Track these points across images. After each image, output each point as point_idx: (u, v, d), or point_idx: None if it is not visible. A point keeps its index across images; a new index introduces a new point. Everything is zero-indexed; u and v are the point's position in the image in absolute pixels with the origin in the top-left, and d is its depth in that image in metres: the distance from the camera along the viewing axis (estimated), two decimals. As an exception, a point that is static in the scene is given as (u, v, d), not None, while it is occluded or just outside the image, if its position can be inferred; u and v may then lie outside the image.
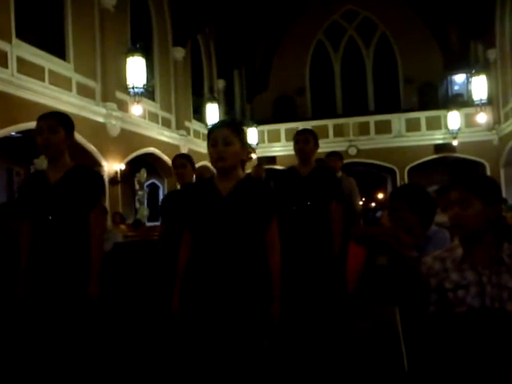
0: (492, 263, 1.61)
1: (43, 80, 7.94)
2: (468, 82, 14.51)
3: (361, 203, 18.76)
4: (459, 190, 1.65)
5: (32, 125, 8.26)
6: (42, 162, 7.87)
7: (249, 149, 2.05)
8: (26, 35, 7.73)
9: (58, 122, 2.39)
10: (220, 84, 15.53)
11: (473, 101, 13.51)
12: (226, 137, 1.91)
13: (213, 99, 13.94)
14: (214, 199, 1.93)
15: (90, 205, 2.33)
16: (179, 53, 12.57)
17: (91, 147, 8.95)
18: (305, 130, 3.57)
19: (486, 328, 1.53)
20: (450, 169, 14.13)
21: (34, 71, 7.75)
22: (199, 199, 1.95)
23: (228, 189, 1.94)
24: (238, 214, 1.86)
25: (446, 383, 1.54)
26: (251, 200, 1.90)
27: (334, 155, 5.05)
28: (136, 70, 9.26)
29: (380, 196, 18.30)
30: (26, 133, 7.84)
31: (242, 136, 1.97)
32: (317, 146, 3.50)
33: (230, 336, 1.87)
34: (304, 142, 3.42)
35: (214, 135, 1.94)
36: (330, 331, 3.17)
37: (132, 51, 9.34)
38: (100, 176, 2.51)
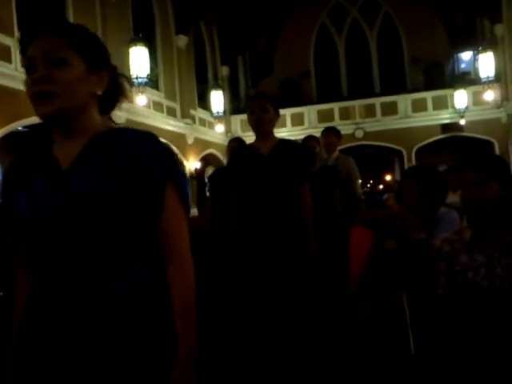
0: (502, 245, 1.61)
1: None
2: (475, 59, 14.28)
3: (368, 185, 18.63)
4: (475, 172, 1.64)
5: (37, 119, 8.43)
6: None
7: (110, 71, 1.10)
8: (28, 29, 7.72)
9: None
10: (224, 71, 15.44)
11: (480, 78, 13.31)
12: (51, 51, 1.01)
13: (217, 86, 13.87)
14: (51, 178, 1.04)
15: None
16: (182, 41, 12.49)
17: (97, 139, 8.96)
18: (260, 95, 2.82)
19: (496, 308, 1.53)
20: (459, 148, 13.99)
21: None
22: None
23: (70, 159, 1.05)
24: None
25: (453, 366, 1.55)
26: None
27: (328, 130, 4.22)
28: (139, 59, 9.22)
29: (388, 178, 18.19)
30: (32, 127, 7.90)
31: (82, 46, 1.04)
32: (278, 115, 2.73)
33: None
34: (261, 110, 2.63)
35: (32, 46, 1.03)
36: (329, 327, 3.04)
37: (134, 41, 9.30)
38: None
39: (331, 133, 4.29)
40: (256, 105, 2.67)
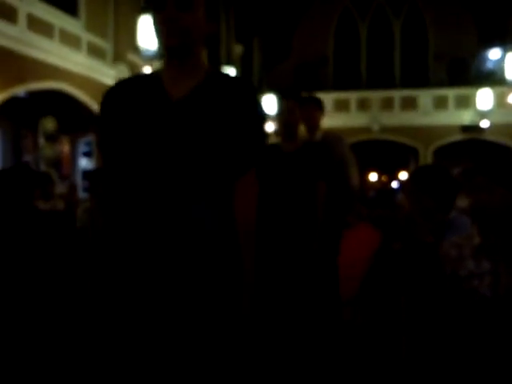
0: (510, 253, 1.58)
1: (53, 38, 7.78)
2: (503, 58, 13.78)
3: (381, 182, 18.10)
4: (484, 176, 1.66)
5: (39, 85, 8.12)
6: (47, 124, 7.65)
7: None
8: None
9: None
10: (238, 49, 14.96)
11: (506, 79, 12.82)
12: None
13: (230, 63, 13.44)
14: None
15: None
16: (197, 14, 12.08)
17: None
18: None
19: (499, 317, 1.52)
20: (477, 152, 13.55)
21: (44, 29, 7.58)
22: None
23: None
24: None
25: (446, 373, 1.55)
26: None
27: (307, 101, 3.31)
28: (150, 30, 8.83)
29: (401, 175, 17.72)
30: (33, 94, 7.66)
31: None
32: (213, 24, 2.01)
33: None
34: (175, 4, 1.83)
35: None
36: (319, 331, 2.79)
37: (146, 10, 8.89)
38: None
39: (311, 104, 3.31)
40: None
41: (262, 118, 1.30)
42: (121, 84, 1.31)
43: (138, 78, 1.33)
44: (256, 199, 1.31)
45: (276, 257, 2.56)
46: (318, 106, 3.36)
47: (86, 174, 8.75)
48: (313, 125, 3.28)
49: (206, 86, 1.25)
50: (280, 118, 2.76)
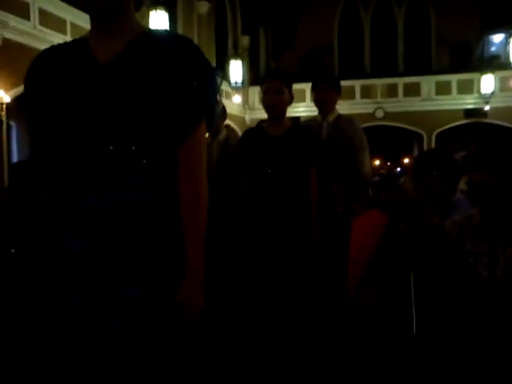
0: (508, 234, 1.58)
1: (65, 33, 7.84)
2: (506, 42, 13.77)
3: (384, 167, 18.10)
4: (475, 159, 1.72)
5: None
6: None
7: None
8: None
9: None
10: (244, 40, 15.09)
11: (510, 63, 12.84)
12: None
13: (237, 56, 13.58)
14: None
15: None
16: (204, 7, 12.20)
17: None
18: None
19: (496, 298, 1.53)
20: (481, 136, 13.63)
21: (56, 23, 7.66)
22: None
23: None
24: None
25: (452, 348, 1.57)
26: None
27: (323, 82, 3.14)
28: (159, 24, 9.02)
29: (406, 161, 17.85)
30: None
31: None
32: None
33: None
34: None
35: None
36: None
37: (155, 5, 9.07)
38: None
39: (327, 85, 3.09)
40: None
41: (205, 75, 1.14)
42: (47, 51, 1.19)
43: (65, 44, 1.19)
44: (204, 168, 1.15)
45: (270, 249, 2.51)
46: (335, 88, 3.11)
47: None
48: (326, 108, 3.09)
49: (137, 47, 1.13)
50: (264, 99, 2.62)
